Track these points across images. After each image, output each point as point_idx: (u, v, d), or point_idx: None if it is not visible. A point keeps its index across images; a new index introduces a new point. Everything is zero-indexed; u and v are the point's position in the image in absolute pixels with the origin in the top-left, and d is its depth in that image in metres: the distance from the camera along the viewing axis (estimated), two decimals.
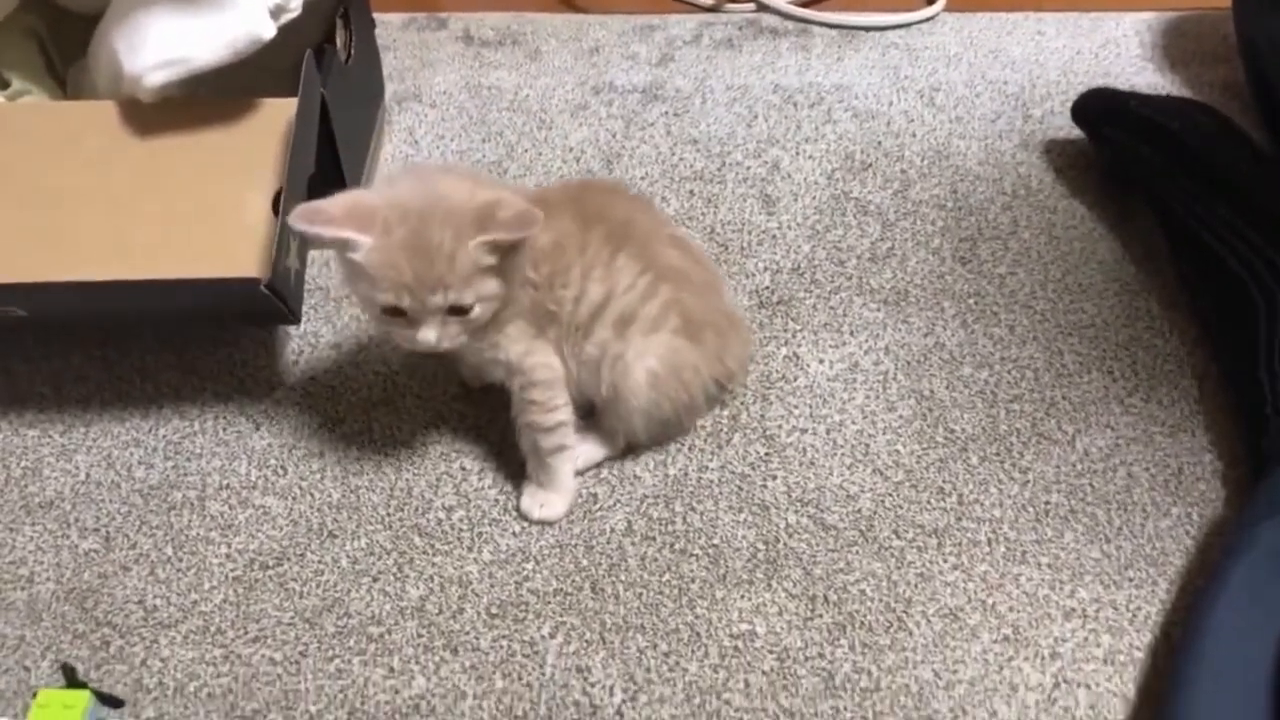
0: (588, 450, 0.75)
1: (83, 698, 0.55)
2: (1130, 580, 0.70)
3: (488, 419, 0.78)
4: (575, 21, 1.08)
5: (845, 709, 0.65)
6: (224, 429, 0.78)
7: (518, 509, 0.74)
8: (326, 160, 0.82)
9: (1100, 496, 0.73)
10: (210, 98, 0.81)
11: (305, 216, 0.63)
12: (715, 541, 0.72)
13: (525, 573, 0.71)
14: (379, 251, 0.63)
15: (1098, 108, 0.88)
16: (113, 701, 0.59)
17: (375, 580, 0.71)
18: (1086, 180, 0.91)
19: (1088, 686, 0.66)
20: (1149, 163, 0.84)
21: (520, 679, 0.67)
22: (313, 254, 0.87)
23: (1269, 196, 0.79)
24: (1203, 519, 0.72)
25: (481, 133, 0.97)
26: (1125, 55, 1.02)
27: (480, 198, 0.64)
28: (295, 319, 0.75)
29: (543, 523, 0.73)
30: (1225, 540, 0.67)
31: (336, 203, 0.64)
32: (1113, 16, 1.06)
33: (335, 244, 0.64)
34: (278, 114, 0.80)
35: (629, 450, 0.76)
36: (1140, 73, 1.00)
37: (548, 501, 0.73)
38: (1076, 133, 0.93)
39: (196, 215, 0.76)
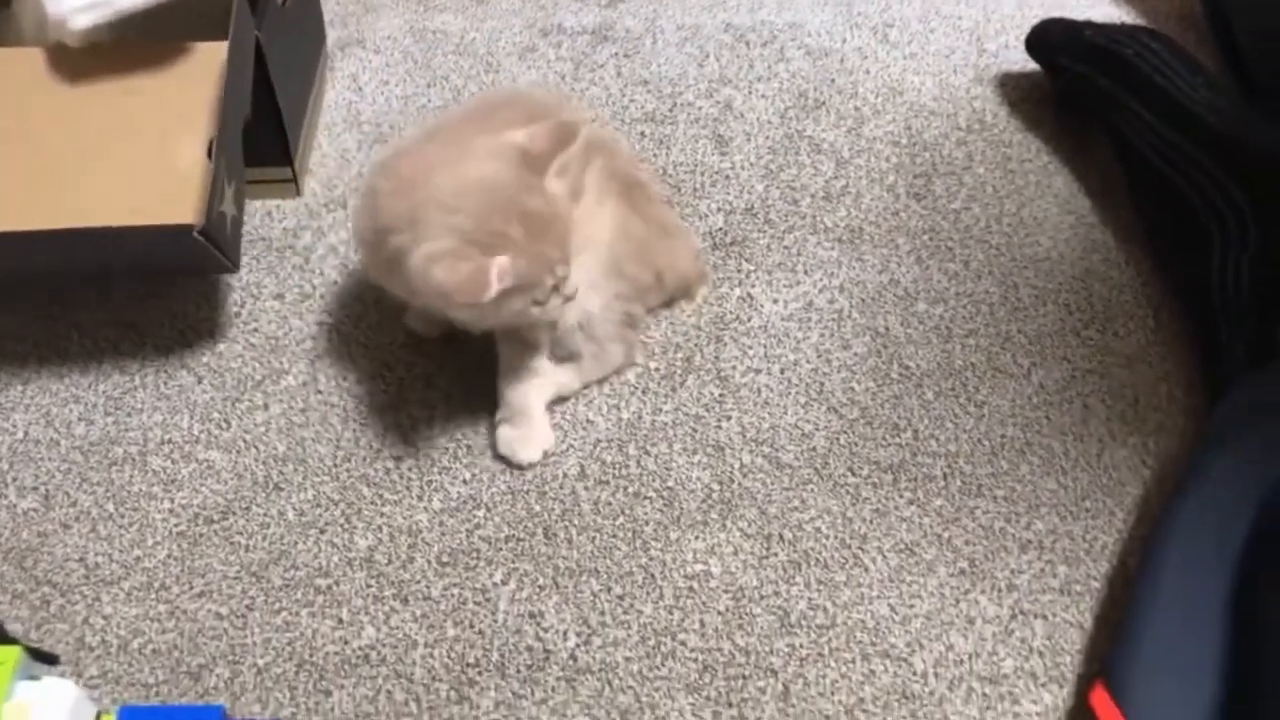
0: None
1: (12, 654, 0.54)
2: (1087, 511, 0.69)
3: (436, 367, 0.77)
4: None
5: (801, 646, 0.65)
6: (165, 383, 0.76)
7: (500, 454, 0.72)
8: (264, 106, 0.80)
9: (1056, 428, 0.73)
10: (141, 41, 0.78)
11: (476, 293, 0.61)
12: (670, 484, 0.71)
13: (476, 520, 0.70)
14: (522, 260, 0.62)
15: (1052, 38, 0.87)
16: (47, 658, 0.58)
17: (323, 532, 0.70)
18: (1042, 113, 0.90)
19: (1044, 617, 0.65)
20: (1105, 92, 0.82)
21: (472, 626, 0.66)
22: (254, 202, 0.85)
23: (1223, 125, 0.78)
24: (1159, 448, 0.72)
25: (426, 77, 0.95)
26: None
27: (507, 146, 0.64)
28: (233, 267, 0.73)
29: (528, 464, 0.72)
30: (1181, 470, 0.67)
31: (460, 265, 0.61)
32: None
33: (515, 297, 0.63)
34: (211, 58, 0.77)
35: (585, 396, 0.75)
36: (1096, 4, 0.99)
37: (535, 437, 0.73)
38: (1031, 66, 0.92)
39: (128, 163, 0.74)
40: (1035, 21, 0.91)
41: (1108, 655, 0.61)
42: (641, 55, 0.96)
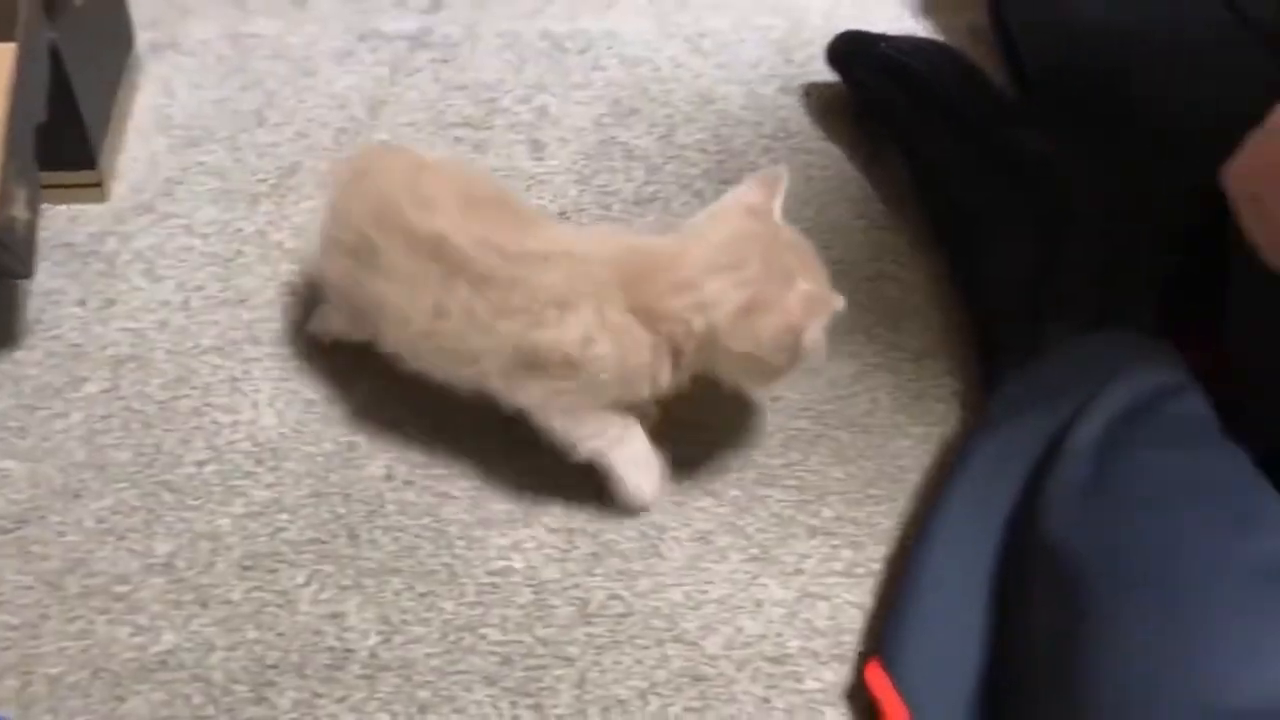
0: None
1: None
2: (871, 497, 0.73)
3: (242, 371, 0.77)
4: None
5: (599, 635, 0.67)
6: None
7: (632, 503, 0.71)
8: (65, 109, 0.78)
9: (845, 420, 0.77)
10: None
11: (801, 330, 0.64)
12: (477, 483, 0.73)
13: (280, 524, 0.71)
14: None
15: (849, 50, 0.91)
16: None
17: (122, 539, 0.69)
18: (842, 122, 0.94)
19: (828, 599, 0.69)
20: (896, 103, 0.87)
21: (273, 629, 0.66)
22: (57, 207, 0.83)
23: (1003, 135, 0.84)
24: (940, 437, 0.76)
25: (241, 80, 0.94)
26: (884, 2, 1.06)
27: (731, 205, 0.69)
28: (26, 272, 0.72)
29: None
30: (953, 457, 0.71)
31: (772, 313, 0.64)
32: None
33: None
34: (1, 59, 0.76)
35: (392, 397, 0.76)
36: (899, 19, 1.04)
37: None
38: (835, 77, 0.96)
39: None
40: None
41: (882, 632, 0.65)
42: (459, 61, 0.98)
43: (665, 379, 0.67)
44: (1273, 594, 0.55)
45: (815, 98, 0.97)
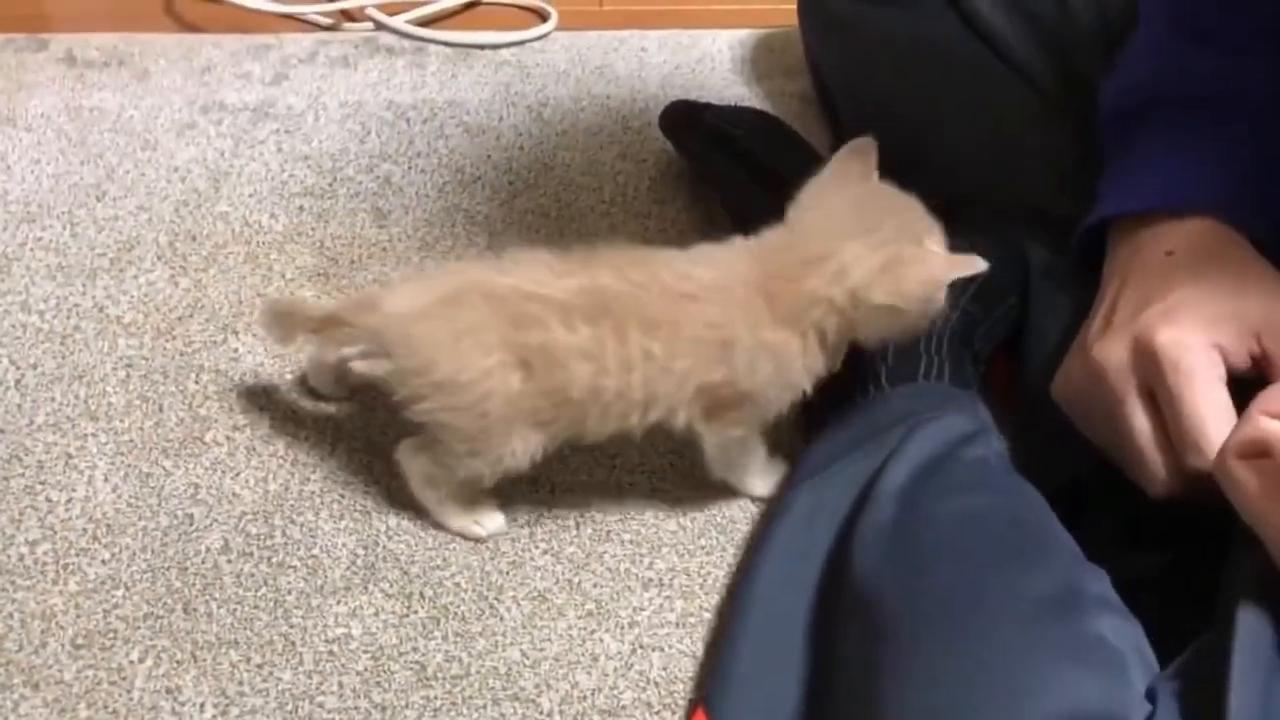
0: None
1: None
2: (702, 548, 0.76)
3: (78, 447, 0.77)
4: (188, 41, 1.07)
5: (436, 697, 0.68)
6: None
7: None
8: None
9: (679, 474, 0.80)
10: None
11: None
12: (315, 552, 0.74)
13: (115, 600, 0.70)
14: None
15: (678, 119, 0.95)
16: None
17: None
18: (677, 187, 0.99)
19: (661, 649, 0.71)
20: (722, 170, 0.92)
21: (106, 707, 0.66)
22: None
23: None
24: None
25: (80, 155, 0.94)
26: (719, 70, 1.11)
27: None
28: None
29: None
30: (775, 505, 0.75)
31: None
32: (709, 34, 1.15)
33: None
34: None
35: (231, 469, 0.77)
36: (730, 86, 1.09)
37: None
38: (669, 144, 1.01)
39: None
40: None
41: (708, 679, 0.68)
42: (303, 131, 0.99)
43: (819, 370, 0.71)
44: (1057, 624, 0.59)
45: (651, 164, 1.01)
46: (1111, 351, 0.64)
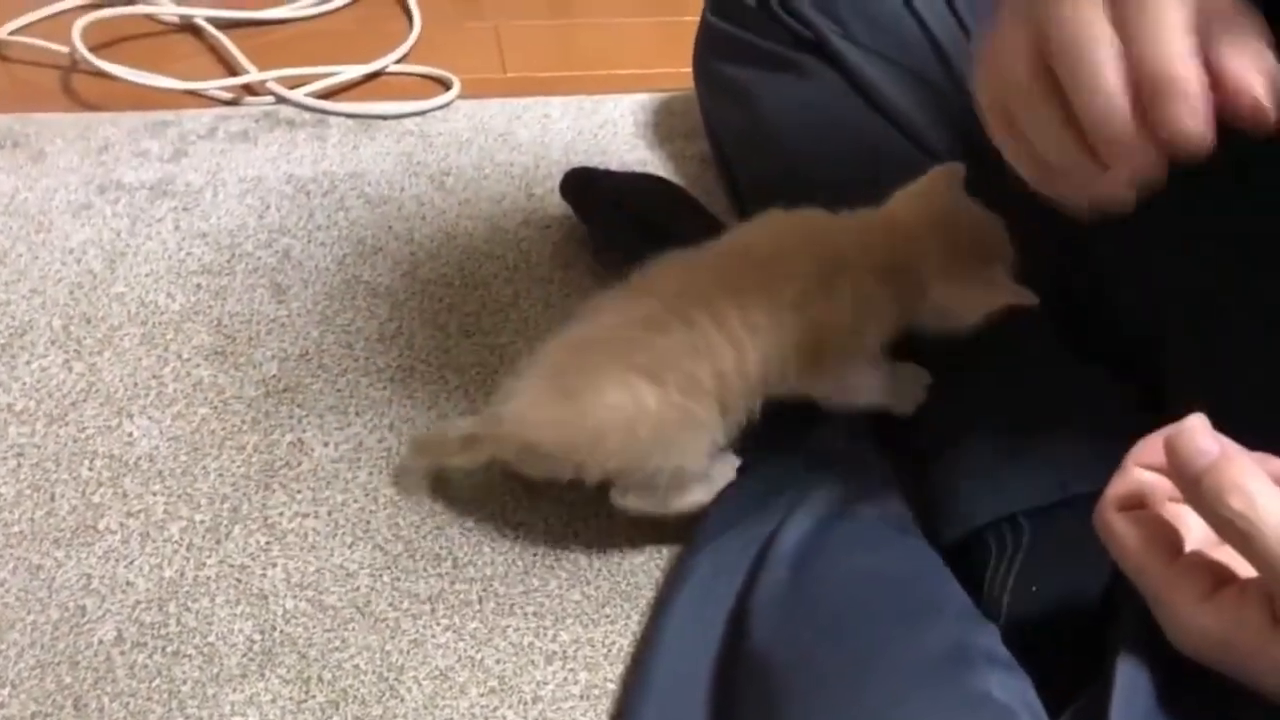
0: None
1: None
2: (606, 617, 0.76)
3: None
4: (84, 120, 1.06)
5: None
6: None
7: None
8: None
9: (582, 542, 0.80)
10: None
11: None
12: (210, 639, 0.72)
13: (0, 701, 0.68)
14: None
15: (576, 186, 0.96)
16: None
17: None
18: (580, 252, 0.99)
19: None
20: (618, 234, 0.92)
21: None
22: None
23: None
24: (671, 553, 0.80)
25: None
26: (621, 134, 1.12)
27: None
28: None
29: None
30: (672, 573, 0.75)
31: None
32: (612, 99, 1.16)
33: None
34: None
35: (125, 557, 0.75)
36: (633, 149, 1.11)
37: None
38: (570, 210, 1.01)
39: None
40: (578, 166, 1.01)
41: None
42: (201, 208, 0.99)
43: (892, 328, 0.74)
44: (946, 684, 0.60)
45: (555, 229, 1.01)
46: None
